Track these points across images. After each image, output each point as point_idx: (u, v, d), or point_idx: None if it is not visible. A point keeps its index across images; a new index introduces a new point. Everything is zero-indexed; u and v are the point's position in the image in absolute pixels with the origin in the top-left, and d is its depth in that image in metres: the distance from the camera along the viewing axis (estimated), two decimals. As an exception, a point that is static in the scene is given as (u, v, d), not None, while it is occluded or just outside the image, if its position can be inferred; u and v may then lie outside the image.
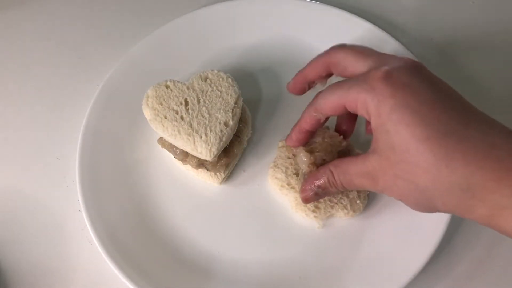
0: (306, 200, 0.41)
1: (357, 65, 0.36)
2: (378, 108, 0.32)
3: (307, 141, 0.43)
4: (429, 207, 0.33)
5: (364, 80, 0.33)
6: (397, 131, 0.31)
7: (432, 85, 0.33)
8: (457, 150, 0.30)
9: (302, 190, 0.41)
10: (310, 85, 0.42)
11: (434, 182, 0.30)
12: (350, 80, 0.35)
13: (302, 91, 0.43)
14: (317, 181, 0.39)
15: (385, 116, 0.32)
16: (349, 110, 0.35)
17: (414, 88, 0.32)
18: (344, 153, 0.45)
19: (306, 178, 0.41)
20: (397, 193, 0.34)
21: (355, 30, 0.52)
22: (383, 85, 0.32)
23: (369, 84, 0.33)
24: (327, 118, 0.40)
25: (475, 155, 0.29)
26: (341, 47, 0.39)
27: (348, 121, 0.44)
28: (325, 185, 0.39)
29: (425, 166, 0.30)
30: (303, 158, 0.43)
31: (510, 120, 0.50)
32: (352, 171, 0.36)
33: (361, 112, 0.34)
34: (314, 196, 0.40)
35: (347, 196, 0.44)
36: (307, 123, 0.40)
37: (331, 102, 0.36)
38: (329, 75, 0.41)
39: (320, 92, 0.38)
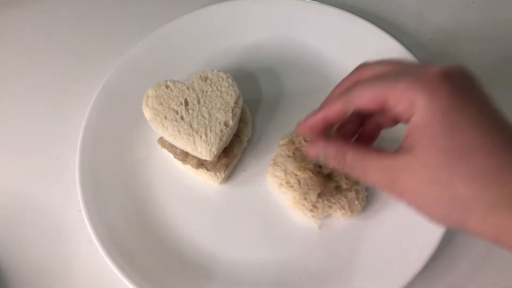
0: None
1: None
2: (431, 106, 0.28)
3: (323, 133, 0.37)
4: (457, 222, 0.29)
5: (416, 74, 0.30)
6: (448, 134, 0.28)
7: (486, 95, 0.30)
8: None
9: (312, 144, 0.36)
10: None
11: (479, 192, 0.27)
12: (395, 72, 0.32)
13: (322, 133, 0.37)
14: (326, 148, 0.34)
15: (438, 115, 0.28)
16: (387, 105, 0.31)
17: (474, 92, 0.29)
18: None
19: (317, 140, 0.35)
20: (421, 201, 0.30)
21: (355, 30, 0.52)
22: (441, 82, 0.29)
23: (423, 79, 0.29)
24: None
25: None
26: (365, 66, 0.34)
27: (372, 125, 0.39)
28: (332, 156, 0.34)
29: (473, 174, 0.27)
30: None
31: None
32: (372, 161, 0.32)
33: (400, 108, 0.30)
34: (314, 154, 0.35)
35: (346, 197, 0.44)
36: (333, 113, 0.34)
37: (371, 94, 0.31)
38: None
39: (357, 83, 0.33)
